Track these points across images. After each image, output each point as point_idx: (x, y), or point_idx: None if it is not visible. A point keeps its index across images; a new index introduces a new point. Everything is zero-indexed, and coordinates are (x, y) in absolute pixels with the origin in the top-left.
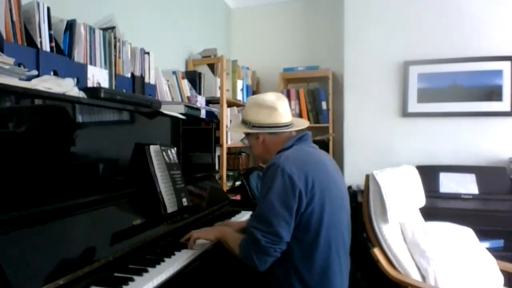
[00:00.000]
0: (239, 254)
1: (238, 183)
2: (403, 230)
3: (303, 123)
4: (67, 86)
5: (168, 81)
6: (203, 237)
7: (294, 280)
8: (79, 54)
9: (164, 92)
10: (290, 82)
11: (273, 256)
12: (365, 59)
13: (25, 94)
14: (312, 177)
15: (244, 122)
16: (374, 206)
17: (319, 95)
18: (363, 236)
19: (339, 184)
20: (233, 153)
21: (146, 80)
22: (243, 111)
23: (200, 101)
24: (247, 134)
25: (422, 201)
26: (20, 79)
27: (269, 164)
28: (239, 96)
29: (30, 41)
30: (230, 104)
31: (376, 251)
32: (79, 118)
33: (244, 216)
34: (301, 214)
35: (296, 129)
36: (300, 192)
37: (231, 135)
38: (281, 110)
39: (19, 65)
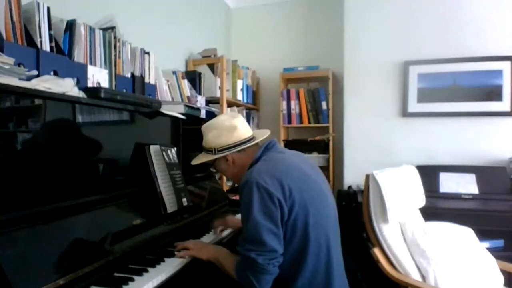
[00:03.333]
0: (237, 279)
1: None
2: (403, 230)
3: (264, 133)
4: (67, 86)
5: (168, 81)
6: (194, 254)
7: (288, 286)
8: (79, 54)
9: (164, 92)
10: (290, 82)
11: (273, 273)
12: (365, 59)
13: (25, 94)
14: (287, 183)
15: (208, 150)
16: (374, 206)
17: (319, 95)
18: (363, 236)
19: (318, 182)
20: None
21: (146, 80)
22: (203, 141)
23: (200, 101)
24: (215, 161)
25: (422, 201)
26: (20, 79)
27: (242, 183)
28: (239, 96)
29: (30, 41)
30: (230, 104)
31: (376, 251)
32: (79, 118)
33: None
34: (286, 222)
35: (259, 140)
36: (280, 201)
37: None
38: (240, 127)
39: (19, 65)
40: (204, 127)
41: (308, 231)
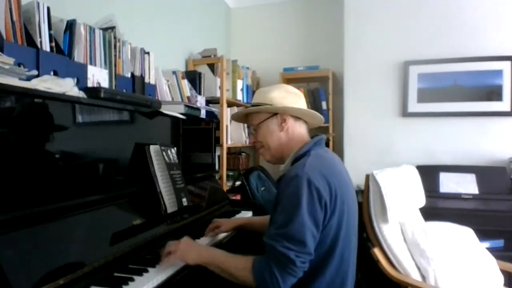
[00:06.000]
0: (251, 279)
1: (238, 183)
2: (403, 230)
3: (319, 120)
4: (67, 86)
5: (168, 81)
6: (178, 258)
7: None
8: (79, 54)
9: (164, 92)
10: (290, 82)
11: (298, 277)
12: (365, 59)
13: (25, 94)
14: (334, 188)
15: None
16: (374, 206)
17: (319, 95)
18: (363, 236)
19: (352, 191)
20: (233, 153)
21: (146, 80)
22: (261, 97)
23: (200, 101)
24: (264, 121)
25: (422, 201)
26: (20, 79)
27: (291, 175)
28: (239, 96)
29: (30, 41)
30: (230, 104)
31: (376, 251)
32: (79, 118)
33: (244, 216)
34: (324, 226)
35: (316, 121)
36: (326, 204)
37: (231, 135)
38: (304, 101)
39: (19, 65)
40: (264, 88)
41: (338, 242)
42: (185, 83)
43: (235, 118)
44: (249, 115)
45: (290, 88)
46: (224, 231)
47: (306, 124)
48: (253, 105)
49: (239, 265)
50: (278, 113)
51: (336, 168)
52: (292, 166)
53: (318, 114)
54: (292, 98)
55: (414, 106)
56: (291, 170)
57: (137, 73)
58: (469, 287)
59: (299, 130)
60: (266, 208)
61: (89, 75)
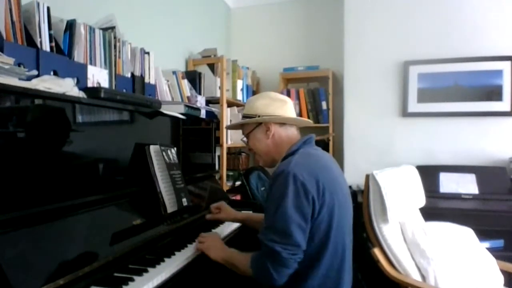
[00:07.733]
0: (251, 273)
1: (238, 183)
2: (403, 230)
3: (306, 122)
4: (67, 86)
5: (168, 81)
6: (203, 250)
7: (298, 286)
8: (79, 54)
9: (164, 92)
10: (290, 82)
11: (292, 268)
12: (365, 59)
13: (25, 94)
14: (322, 182)
15: (250, 117)
16: (374, 206)
17: (319, 95)
18: (363, 236)
19: (344, 187)
20: (233, 153)
21: (146, 80)
22: (246, 109)
23: (200, 101)
24: (252, 131)
25: (422, 201)
26: (20, 79)
27: (278, 172)
28: (239, 96)
29: (30, 41)
30: (230, 104)
31: (376, 251)
32: (79, 118)
33: None
34: (314, 220)
35: (302, 125)
36: (313, 198)
37: (231, 135)
38: (290, 105)
39: (19, 65)
40: (252, 97)
41: (330, 234)
42: (185, 83)
43: (230, 128)
44: (242, 125)
45: (276, 95)
46: (222, 218)
47: (295, 127)
48: (243, 116)
49: (243, 261)
50: (262, 123)
51: (327, 164)
52: (280, 163)
53: (302, 119)
54: (276, 105)
55: (414, 106)
56: (278, 167)
57: (137, 73)
58: (469, 287)
59: (287, 133)
60: None
61: (89, 75)
